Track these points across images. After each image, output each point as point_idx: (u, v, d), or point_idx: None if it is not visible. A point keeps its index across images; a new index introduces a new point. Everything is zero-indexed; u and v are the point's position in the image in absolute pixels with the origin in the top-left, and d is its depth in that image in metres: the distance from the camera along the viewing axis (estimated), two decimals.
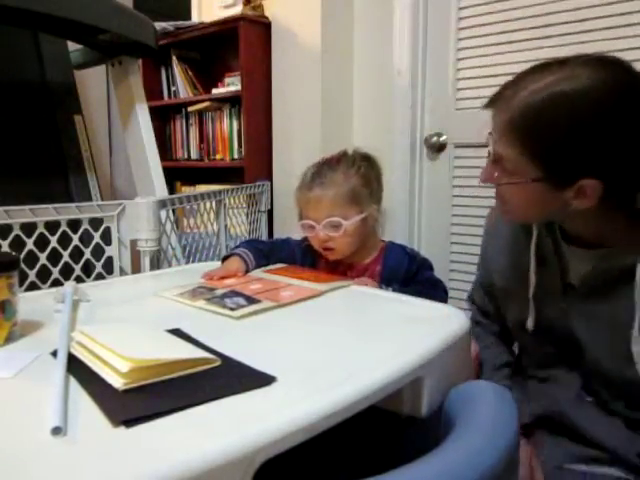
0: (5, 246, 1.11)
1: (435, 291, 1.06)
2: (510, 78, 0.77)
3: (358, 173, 1.10)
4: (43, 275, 1.19)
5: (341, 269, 1.13)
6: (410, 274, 1.10)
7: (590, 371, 0.84)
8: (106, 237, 1.28)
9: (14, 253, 1.06)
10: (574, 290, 0.85)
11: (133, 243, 1.32)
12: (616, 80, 0.69)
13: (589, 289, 0.82)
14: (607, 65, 0.70)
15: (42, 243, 1.18)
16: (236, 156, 2.37)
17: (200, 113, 2.52)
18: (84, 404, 0.50)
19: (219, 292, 0.90)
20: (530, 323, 0.89)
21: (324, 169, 1.12)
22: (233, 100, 2.33)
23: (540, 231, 0.87)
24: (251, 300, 0.85)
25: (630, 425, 0.81)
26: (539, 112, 0.71)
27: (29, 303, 0.77)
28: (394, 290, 1.03)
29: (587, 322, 0.82)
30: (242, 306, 0.82)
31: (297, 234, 1.20)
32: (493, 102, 0.78)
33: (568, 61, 0.72)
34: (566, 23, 1.57)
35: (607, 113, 0.68)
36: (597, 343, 0.81)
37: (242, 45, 2.16)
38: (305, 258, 1.18)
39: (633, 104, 0.69)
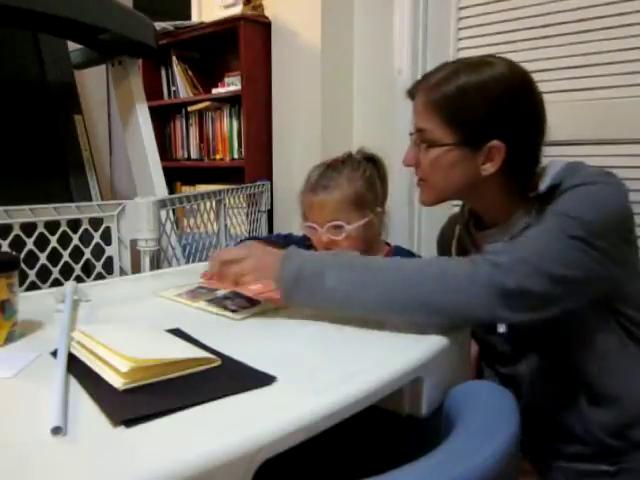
0: (5, 246, 1.11)
1: None
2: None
3: (363, 177, 1.09)
4: (43, 275, 1.19)
5: None
6: None
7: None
8: (106, 237, 1.28)
9: (14, 253, 1.06)
10: None
11: (133, 243, 1.32)
12: (516, 71, 0.88)
13: None
14: (508, 61, 0.90)
15: (42, 243, 1.18)
16: (236, 156, 2.37)
17: (200, 113, 2.52)
18: (84, 404, 0.50)
19: (220, 293, 0.90)
20: None
21: (328, 172, 1.09)
22: (233, 100, 2.33)
23: (460, 229, 0.99)
24: (252, 301, 0.85)
25: (592, 401, 0.83)
26: (454, 87, 0.84)
27: (29, 303, 0.77)
28: None
29: None
30: (243, 308, 0.82)
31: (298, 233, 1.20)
32: (414, 88, 0.90)
33: (475, 59, 0.90)
34: (566, 23, 1.57)
35: (510, 91, 0.84)
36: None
37: (242, 45, 2.16)
38: None
39: (527, 87, 0.86)
